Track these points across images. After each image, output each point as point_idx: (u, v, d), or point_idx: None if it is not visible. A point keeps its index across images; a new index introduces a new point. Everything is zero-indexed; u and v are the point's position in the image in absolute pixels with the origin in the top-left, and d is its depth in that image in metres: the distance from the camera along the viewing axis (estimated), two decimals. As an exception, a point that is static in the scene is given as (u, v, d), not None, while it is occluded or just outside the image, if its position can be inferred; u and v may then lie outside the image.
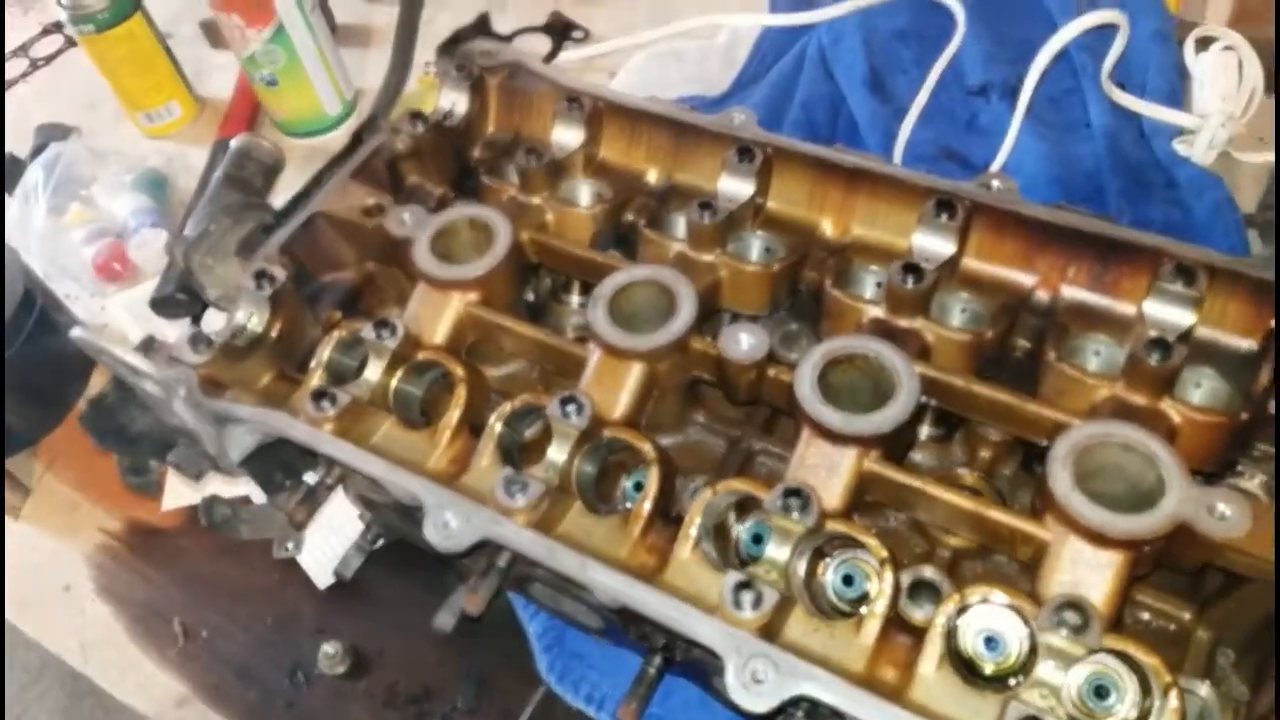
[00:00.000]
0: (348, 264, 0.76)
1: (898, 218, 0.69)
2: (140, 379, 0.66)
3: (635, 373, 0.63)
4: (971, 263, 0.68)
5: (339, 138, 1.14)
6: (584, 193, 0.77)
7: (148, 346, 0.69)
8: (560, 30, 1.15)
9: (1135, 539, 0.52)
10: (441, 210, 0.76)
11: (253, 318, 0.68)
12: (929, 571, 0.57)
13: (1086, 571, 0.53)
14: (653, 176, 0.77)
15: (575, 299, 0.79)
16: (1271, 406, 0.60)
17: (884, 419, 0.57)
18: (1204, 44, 0.97)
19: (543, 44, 1.17)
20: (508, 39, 1.15)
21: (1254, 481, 0.60)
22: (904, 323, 0.65)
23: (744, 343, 0.62)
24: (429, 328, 0.68)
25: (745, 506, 0.59)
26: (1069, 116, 0.95)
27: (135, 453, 0.87)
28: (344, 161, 0.76)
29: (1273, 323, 0.61)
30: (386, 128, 0.78)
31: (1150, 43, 0.97)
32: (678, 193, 0.75)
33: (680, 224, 0.74)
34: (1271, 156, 0.91)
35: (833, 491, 0.57)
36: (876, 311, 0.65)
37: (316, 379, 0.66)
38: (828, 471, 0.58)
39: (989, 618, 0.52)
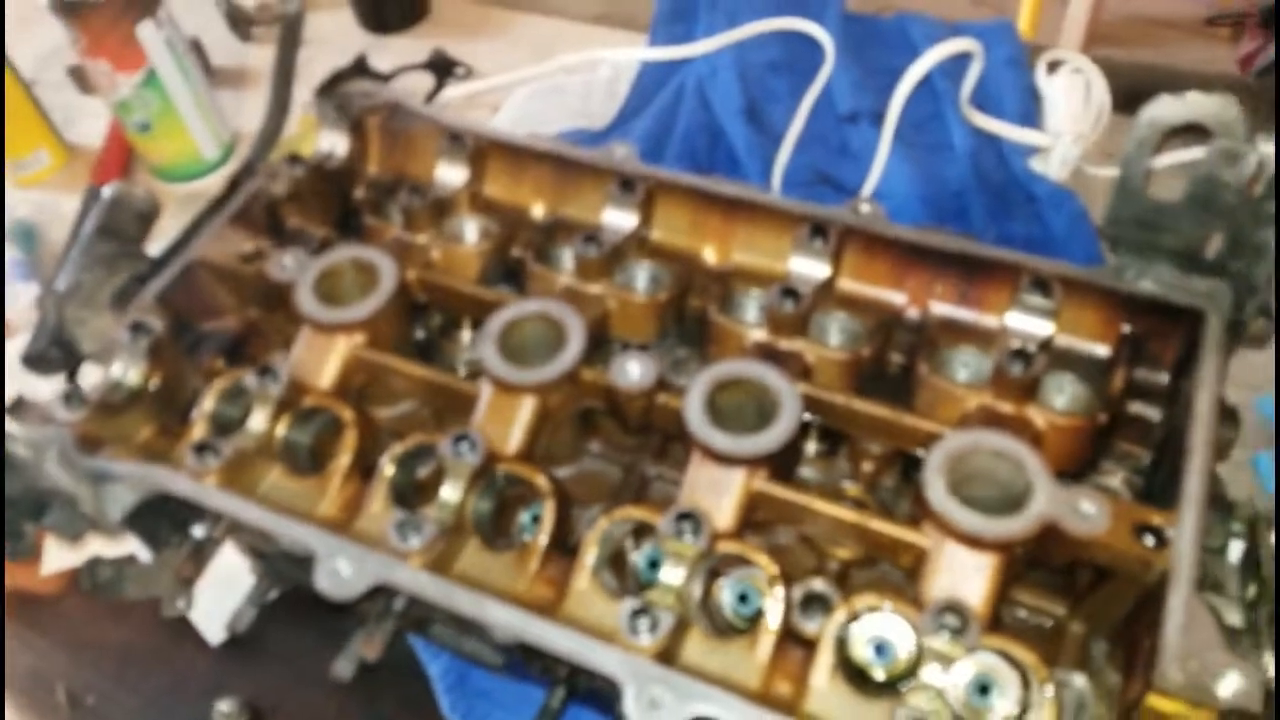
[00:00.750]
0: (228, 311, 0.75)
1: (775, 243, 0.71)
2: (10, 442, 0.63)
3: (527, 406, 0.64)
4: (846, 284, 0.70)
5: (217, 182, 1.11)
6: (469, 230, 0.77)
7: (16, 407, 0.66)
8: (442, 68, 1.17)
9: (1007, 541, 0.54)
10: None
11: (129, 371, 0.66)
12: (819, 584, 0.58)
13: (964, 575, 0.55)
14: (538, 211, 0.78)
15: (466, 334, 0.79)
16: (1129, 408, 0.64)
17: (769, 439, 0.59)
18: (1054, 67, 1.03)
19: (425, 82, 1.18)
20: (389, 78, 1.15)
21: (1116, 479, 0.64)
22: (785, 344, 0.67)
23: (633, 372, 0.63)
24: (314, 372, 0.68)
25: (641, 533, 0.60)
26: (933, 139, 1.00)
27: (10, 517, 0.83)
28: (221, 207, 0.75)
29: (1124, 328, 0.65)
30: (264, 171, 0.77)
31: (1005, 68, 1.02)
32: (563, 226, 0.76)
33: (567, 257, 0.75)
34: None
35: (724, 512, 0.59)
36: (759, 335, 0.68)
37: (198, 430, 0.64)
38: (718, 493, 0.59)
39: (877, 625, 0.54)
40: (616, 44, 1.17)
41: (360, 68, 0.85)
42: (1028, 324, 0.65)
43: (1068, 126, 0.95)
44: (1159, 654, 0.50)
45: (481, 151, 0.77)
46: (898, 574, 0.65)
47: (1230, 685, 0.49)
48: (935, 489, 0.56)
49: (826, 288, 0.69)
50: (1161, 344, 0.65)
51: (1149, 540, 0.54)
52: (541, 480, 0.61)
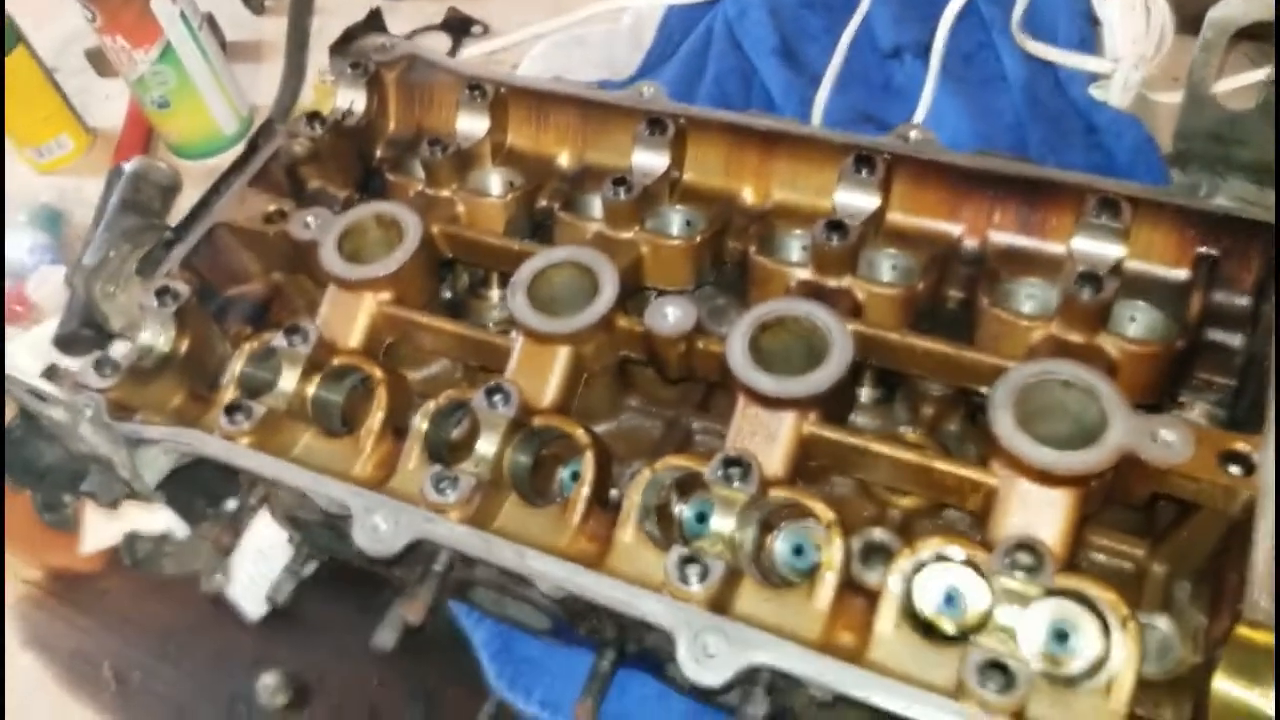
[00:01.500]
0: (253, 275, 0.74)
1: (818, 178, 0.69)
2: (46, 405, 0.63)
3: (562, 357, 0.62)
4: (896, 217, 0.67)
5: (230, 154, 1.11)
6: (494, 182, 0.75)
7: (51, 373, 0.66)
8: (458, 26, 1.15)
9: (1083, 474, 0.51)
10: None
11: (159, 337, 0.65)
12: (879, 533, 0.56)
13: (1036, 512, 0.52)
14: (564, 159, 0.76)
15: (495, 293, 0.77)
16: (1208, 335, 0.60)
17: (819, 379, 0.56)
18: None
19: (441, 43, 1.16)
20: (406, 39, 1.13)
21: (1195, 411, 0.60)
22: (832, 282, 0.64)
23: (670, 316, 0.60)
24: (342, 331, 0.66)
25: (687, 487, 0.57)
26: (984, 71, 0.96)
27: (47, 487, 0.84)
28: (241, 170, 0.74)
29: (1200, 249, 0.61)
30: (283, 132, 0.76)
31: (1057, -8, 0.98)
32: (591, 173, 0.74)
33: (597, 205, 0.72)
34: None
35: (774, 458, 0.56)
36: (804, 274, 0.65)
37: (229, 394, 0.63)
38: (767, 439, 0.57)
39: (945, 575, 0.51)
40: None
41: (373, 23, 0.83)
42: (1096, 247, 0.61)
43: (1128, 50, 0.90)
44: (1248, 583, 0.47)
45: (502, 100, 0.75)
46: (962, 521, 0.63)
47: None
48: (1003, 423, 0.53)
49: (875, 221, 0.66)
50: (1240, 264, 0.61)
51: (1235, 469, 0.51)
52: (580, 432, 0.59)
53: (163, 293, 0.65)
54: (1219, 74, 0.60)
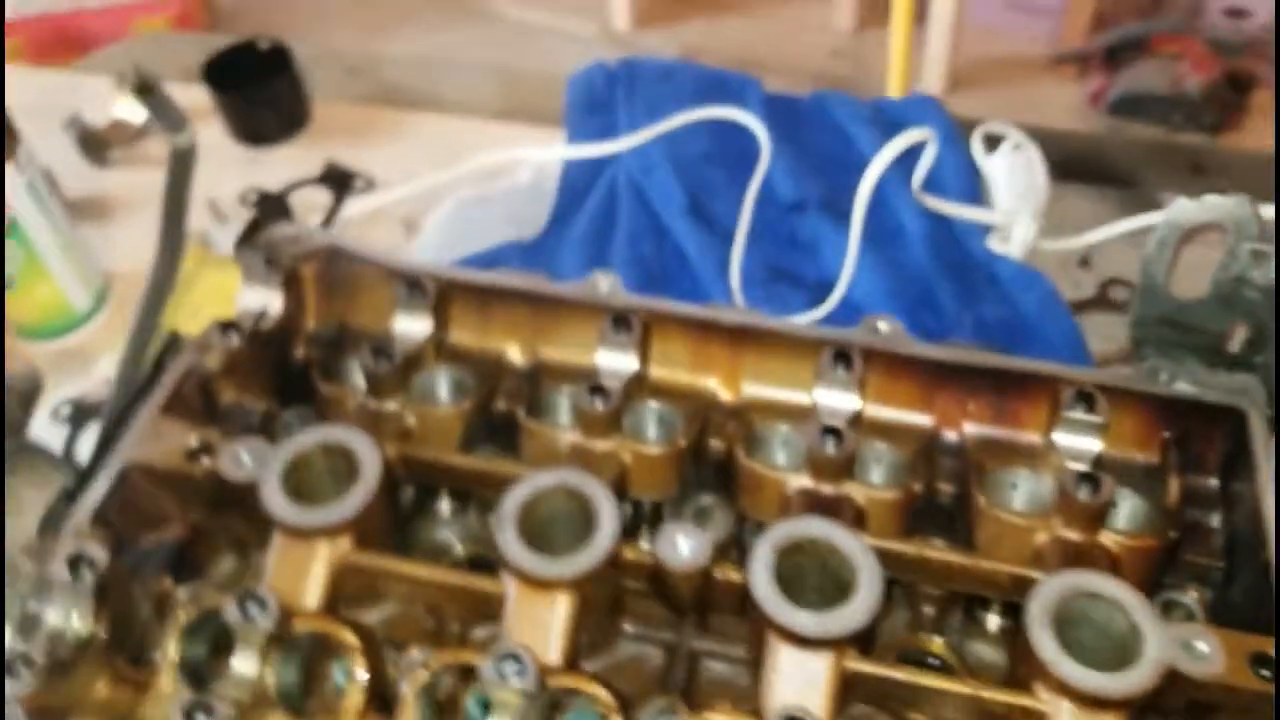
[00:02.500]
0: (170, 517, 0.65)
1: (790, 372, 0.67)
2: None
3: (563, 604, 0.57)
4: (871, 410, 0.67)
5: (93, 334, 1.00)
6: (442, 386, 0.70)
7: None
8: (338, 181, 1.08)
9: (1131, 696, 0.51)
10: (270, 430, 0.68)
11: (74, 618, 0.55)
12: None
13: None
14: (515, 355, 0.71)
15: (445, 506, 0.72)
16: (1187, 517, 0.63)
17: (855, 613, 0.54)
18: (990, 142, 1.04)
19: (321, 198, 1.09)
20: (281, 196, 1.06)
21: (1189, 597, 0.63)
22: (832, 490, 0.63)
23: (683, 547, 0.57)
24: (296, 588, 0.58)
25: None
26: (884, 226, 0.99)
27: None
28: (147, 395, 0.65)
29: (1165, 434, 0.64)
30: (193, 346, 0.67)
31: (943, 147, 1.03)
32: (547, 370, 0.70)
33: (562, 408, 0.69)
34: (1072, 243, 0.99)
35: (814, 701, 0.53)
36: (800, 481, 0.63)
37: (169, 683, 0.54)
38: (807, 683, 0.54)
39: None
40: (523, 140, 1.12)
41: (278, 209, 0.76)
42: (1076, 441, 0.63)
43: (1019, 203, 0.96)
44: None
45: (444, 296, 0.70)
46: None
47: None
48: (1047, 646, 0.52)
49: (856, 419, 0.65)
50: (1205, 446, 0.64)
51: (1265, 672, 0.53)
52: (347, 635, 0.55)
53: (76, 562, 0.56)
54: (1170, 269, 0.63)
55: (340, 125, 1.17)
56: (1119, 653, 0.53)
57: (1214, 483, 0.64)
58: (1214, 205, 0.60)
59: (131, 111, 1.11)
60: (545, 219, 1.02)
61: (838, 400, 0.65)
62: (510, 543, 0.57)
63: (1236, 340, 0.63)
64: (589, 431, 0.64)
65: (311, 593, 0.59)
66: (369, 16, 3.21)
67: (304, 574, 0.59)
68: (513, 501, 0.59)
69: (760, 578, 0.55)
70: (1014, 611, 0.63)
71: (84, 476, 0.61)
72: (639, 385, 0.68)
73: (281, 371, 0.71)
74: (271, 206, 0.75)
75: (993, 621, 0.67)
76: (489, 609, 0.58)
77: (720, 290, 0.93)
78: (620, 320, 0.67)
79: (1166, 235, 0.62)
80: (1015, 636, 0.58)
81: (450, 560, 0.68)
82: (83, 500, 0.60)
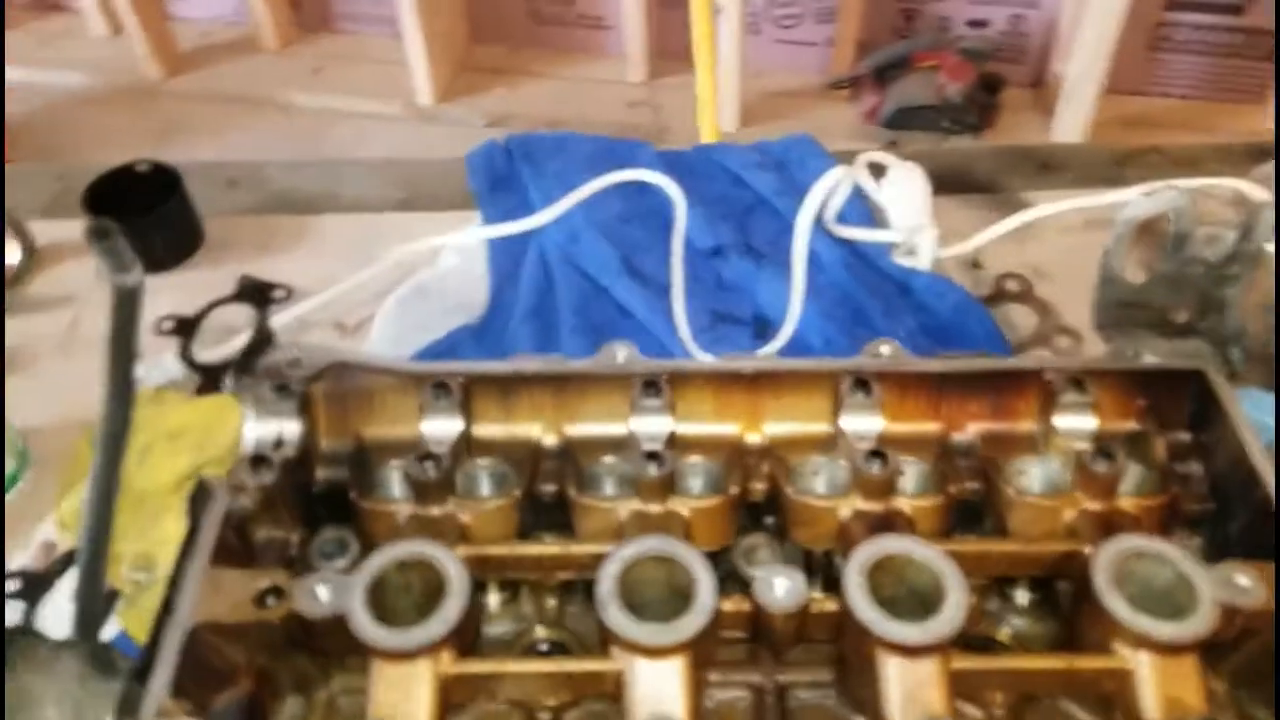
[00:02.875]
0: (238, 669, 0.61)
1: (808, 407, 0.72)
2: None
3: (682, 666, 0.58)
4: (890, 428, 0.72)
5: (21, 499, 0.92)
6: (485, 481, 0.70)
7: None
8: (257, 294, 1.05)
9: (1200, 638, 0.58)
10: (305, 559, 0.66)
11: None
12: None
13: (1175, 682, 0.58)
14: (543, 437, 0.72)
15: (494, 599, 0.71)
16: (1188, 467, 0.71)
17: (952, 616, 0.58)
18: (875, 169, 1.13)
19: (240, 315, 1.05)
20: (197, 319, 1.01)
21: (1193, 544, 0.70)
22: (882, 507, 0.67)
23: (780, 589, 0.59)
24: (404, 710, 0.57)
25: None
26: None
27: None
28: (193, 551, 0.61)
29: (1142, 401, 0.73)
30: (224, 488, 0.64)
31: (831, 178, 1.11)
32: (578, 446, 0.71)
33: (603, 479, 0.70)
34: (964, 248, 1.08)
35: (934, 699, 0.57)
36: (851, 505, 0.67)
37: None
38: (918, 684, 0.57)
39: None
40: (428, 228, 1.11)
41: (264, 337, 0.74)
42: (1075, 421, 0.70)
43: (918, 220, 1.05)
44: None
45: (468, 392, 0.70)
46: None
47: None
48: (1120, 608, 0.58)
49: (882, 438, 0.70)
50: (1174, 407, 0.73)
51: (1290, 592, 0.61)
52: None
53: (174, 744, 0.52)
54: (1126, 259, 0.72)
55: (239, 239, 1.12)
56: (1169, 602, 0.59)
57: (1188, 437, 0.72)
58: (1162, 199, 0.69)
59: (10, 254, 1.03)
60: (483, 299, 1.02)
61: (864, 424, 0.69)
62: (618, 618, 0.58)
63: (1184, 312, 0.72)
64: (648, 497, 0.66)
65: (420, 713, 0.57)
66: (155, 128, 3.06)
67: (411, 696, 0.58)
68: (608, 578, 0.59)
69: (859, 601, 0.59)
70: (1041, 586, 0.70)
71: (149, 653, 0.56)
72: (672, 441, 0.70)
73: (305, 498, 0.69)
74: (262, 339, 0.71)
75: (1022, 597, 0.73)
76: (603, 687, 0.59)
77: (673, 340, 0.97)
78: (650, 384, 0.69)
79: (1124, 230, 0.71)
80: (1075, 606, 0.64)
81: (529, 648, 0.68)
82: (155, 678, 0.56)
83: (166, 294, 1.04)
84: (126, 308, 0.78)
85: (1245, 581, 0.60)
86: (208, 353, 1.01)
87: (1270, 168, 1.20)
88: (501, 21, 3.39)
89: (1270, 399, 0.93)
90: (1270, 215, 0.71)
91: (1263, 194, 1.07)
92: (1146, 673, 0.58)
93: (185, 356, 0.99)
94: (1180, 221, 0.71)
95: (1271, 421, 0.92)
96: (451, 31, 3.24)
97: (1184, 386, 0.72)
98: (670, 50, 3.24)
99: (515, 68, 3.38)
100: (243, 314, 1.02)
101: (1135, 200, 0.71)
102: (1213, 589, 0.59)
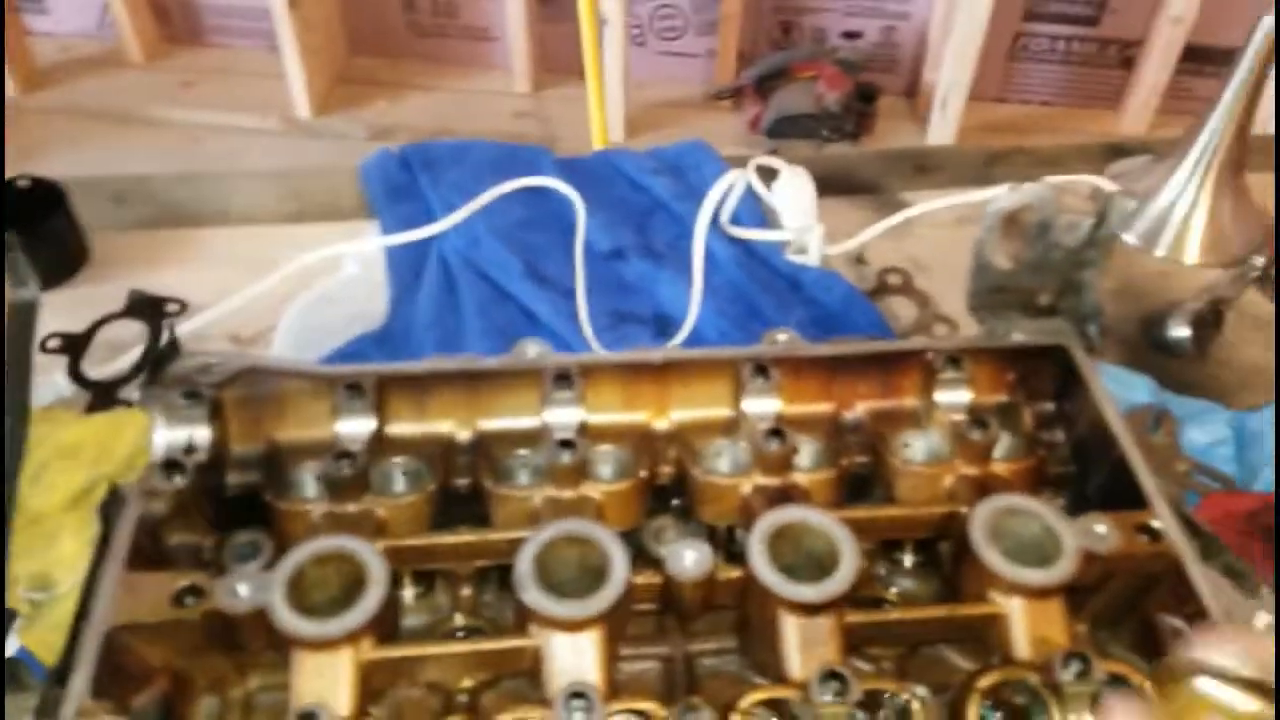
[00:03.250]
0: (155, 669, 0.62)
1: (711, 393, 0.76)
2: None
3: (598, 639, 0.61)
4: (787, 409, 0.77)
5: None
6: (398, 478, 0.72)
7: None
8: (149, 310, 1.04)
9: (1065, 582, 0.64)
10: (219, 561, 0.67)
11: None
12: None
13: (1046, 624, 0.64)
14: (456, 433, 0.74)
15: (410, 593, 0.73)
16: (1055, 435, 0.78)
17: (845, 576, 0.62)
18: (764, 173, 1.19)
19: (132, 331, 1.04)
20: (86, 336, 1.00)
21: (1058, 501, 0.77)
22: (780, 481, 0.72)
23: (689, 559, 0.63)
24: (328, 698, 0.59)
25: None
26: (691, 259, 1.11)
27: None
28: (106, 555, 0.62)
29: (1011, 376, 0.80)
30: (137, 493, 0.65)
31: (726, 181, 1.16)
32: (491, 439, 0.74)
33: (517, 471, 0.73)
34: (849, 245, 1.15)
35: (834, 650, 0.62)
36: (753, 481, 0.71)
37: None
38: (814, 642, 0.62)
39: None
40: (325, 238, 1.12)
41: (171, 346, 0.74)
42: (953, 395, 0.77)
43: (806, 219, 1.11)
44: (1207, 619, 0.63)
45: (382, 392, 0.72)
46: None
47: (1263, 619, 0.64)
48: (994, 560, 0.64)
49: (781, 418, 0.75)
50: (1040, 379, 0.80)
51: (1144, 538, 0.68)
52: None
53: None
54: (995, 248, 0.79)
55: (127, 254, 1.11)
56: (1038, 552, 0.66)
57: (1052, 406, 0.80)
58: (1027, 193, 0.76)
59: None
60: (384, 308, 1.04)
61: (763, 406, 0.74)
62: (537, 597, 0.61)
63: (1047, 294, 0.79)
64: (562, 483, 0.69)
65: (343, 699, 0.59)
66: (13, 147, 2.93)
67: (333, 683, 0.59)
68: (526, 559, 0.63)
69: (762, 566, 0.63)
70: (925, 549, 0.76)
71: (65, 662, 0.57)
72: (584, 430, 0.73)
73: (216, 502, 0.70)
74: (169, 350, 0.71)
75: (908, 560, 0.78)
76: (521, 664, 0.62)
77: (577, 341, 1.00)
78: (562, 377, 0.72)
79: (993, 221, 0.78)
80: (955, 562, 0.70)
81: (447, 636, 0.70)
82: (74, 679, 0.57)
83: (52, 312, 1.03)
84: (24, 323, 0.78)
85: (1102, 529, 0.66)
86: (97, 369, 1.00)
87: (1122, 165, 1.32)
88: (381, 33, 3.38)
89: (1128, 374, 1.03)
90: (1120, 204, 0.79)
91: (1115, 188, 1.17)
92: (1018, 616, 0.64)
93: (75, 373, 0.98)
94: (1043, 212, 0.78)
95: (1130, 394, 1.01)
96: (329, 43, 3.21)
97: (1049, 361, 0.79)
98: (554, 62, 3.28)
99: (397, 80, 3.37)
100: (131, 330, 1.01)
101: (1002, 194, 0.79)
102: (1074, 538, 0.65)
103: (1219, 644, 0.58)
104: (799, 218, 1.12)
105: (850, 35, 3.37)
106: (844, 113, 3.15)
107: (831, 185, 1.25)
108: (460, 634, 0.70)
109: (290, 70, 3.06)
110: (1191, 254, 1.18)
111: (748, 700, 0.60)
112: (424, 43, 3.41)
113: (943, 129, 2.86)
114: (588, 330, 1.01)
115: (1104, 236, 0.77)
